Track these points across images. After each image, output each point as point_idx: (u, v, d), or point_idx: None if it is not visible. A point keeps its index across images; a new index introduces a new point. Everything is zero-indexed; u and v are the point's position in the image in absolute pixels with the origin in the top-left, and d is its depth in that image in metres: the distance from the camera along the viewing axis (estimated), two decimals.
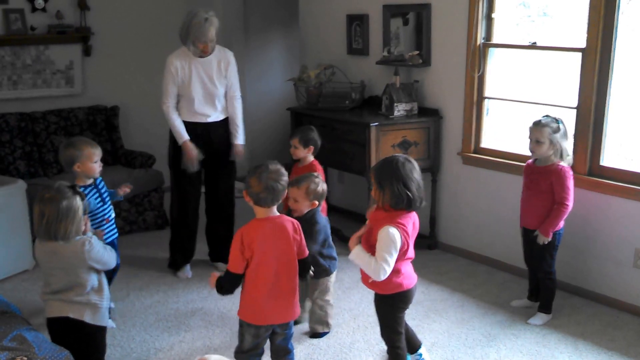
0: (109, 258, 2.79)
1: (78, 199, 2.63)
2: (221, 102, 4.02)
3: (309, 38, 5.36)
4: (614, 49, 3.53)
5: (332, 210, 5.28)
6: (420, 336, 3.37)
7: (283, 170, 2.61)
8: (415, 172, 2.64)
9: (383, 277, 2.60)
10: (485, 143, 4.27)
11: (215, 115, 4.01)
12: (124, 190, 3.57)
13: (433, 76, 4.43)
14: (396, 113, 4.32)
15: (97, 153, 3.35)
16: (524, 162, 3.97)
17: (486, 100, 4.22)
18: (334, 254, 3.42)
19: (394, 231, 2.57)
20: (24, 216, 4.22)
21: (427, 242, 4.57)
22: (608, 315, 3.58)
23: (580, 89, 3.67)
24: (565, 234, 3.82)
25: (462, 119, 4.29)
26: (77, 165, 3.30)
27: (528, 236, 3.56)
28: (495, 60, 4.18)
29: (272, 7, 6.50)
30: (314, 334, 3.41)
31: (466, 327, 3.49)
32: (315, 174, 3.31)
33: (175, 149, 3.99)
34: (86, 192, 3.29)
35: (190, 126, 3.94)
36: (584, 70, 3.63)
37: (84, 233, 2.73)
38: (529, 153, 3.97)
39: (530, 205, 3.50)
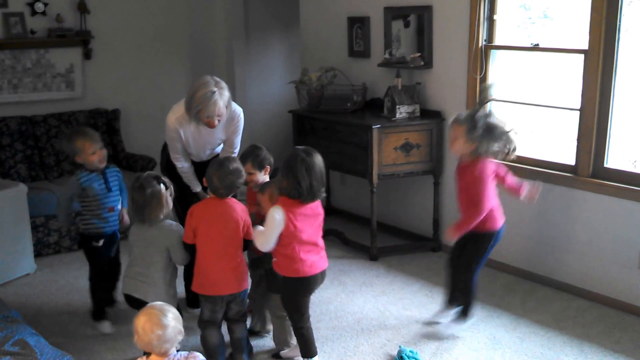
0: (185, 253, 3.02)
1: (162, 186, 3.01)
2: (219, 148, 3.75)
3: (310, 41, 5.36)
4: (617, 50, 3.53)
5: (334, 212, 5.28)
6: (424, 339, 3.38)
7: (241, 171, 3.04)
8: (311, 170, 2.86)
9: (266, 249, 2.92)
10: None
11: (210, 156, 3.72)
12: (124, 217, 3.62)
13: (435, 78, 4.42)
14: (398, 115, 4.31)
15: (92, 145, 3.38)
16: (526, 164, 3.97)
17: (488, 102, 4.20)
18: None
19: (277, 211, 2.87)
20: (25, 220, 4.21)
21: (430, 244, 4.56)
22: (613, 317, 3.57)
23: (583, 90, 3.66)
24: (569, 236, 3.82)
25: None
26: (77, 157, 3.42)
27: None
28: (497, 62, 4.17)
29: (273, 9, 6.50)
30: (274, 355, 3.26)
31: (471, 330, 3.47)
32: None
33: (173, 179, 3.46)
34: (90, 177, 3.41)
35: None
36: (587, 71, 3.62)
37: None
38: (531, 155, 3.97)
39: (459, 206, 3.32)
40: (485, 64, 4.14)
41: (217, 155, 3.69)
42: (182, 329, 2.29)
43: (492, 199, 3.20)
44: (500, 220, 3.28)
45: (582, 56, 3.65)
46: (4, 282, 4.09)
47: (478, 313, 3.65)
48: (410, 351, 3.18)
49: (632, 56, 3.56)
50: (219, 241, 2.93)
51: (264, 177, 3.41)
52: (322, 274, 3.04)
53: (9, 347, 2.64)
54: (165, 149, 3.66)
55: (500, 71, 4.18)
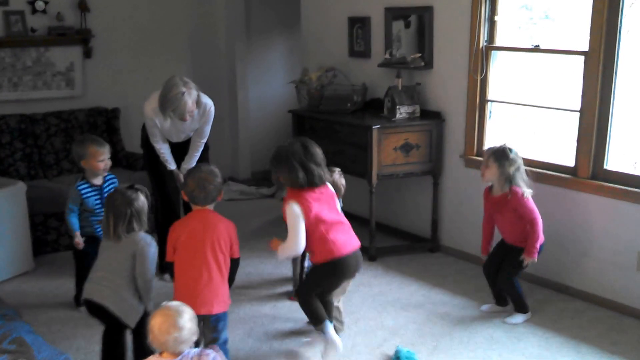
0: (148, 269, 2.85)
1: (144, 198, 2.90)
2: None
3: (311, 40, 5.36)
4: (618, 51, 3.52)
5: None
6: (421, 339, 3.38)
7: (216, 172, 2.89)
8: (308, 155, 2.90)
9: (299, 248, 2.88)
10: (487, 146, 4.24)
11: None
12: None
13: (435, 79, 4.42)
14: (398, 116, 4.30)
15: (102, 152, 3.58)
16: (528, 166, 3.95)
17: (489, 103, 4.21)
18: None
19: (291, 205, 2.87)
20: (24, 218, 4.20)
21: (429, 245, 4.56)
22: (611, 319, 3.56)
23: (583, 92, 3.66)
24: (568, 237, 3.82)
25: (465, 121, 4.28)
26: (83, 162, 3.55)
27: (503, 247, 3.58)
28: (498, 63, 4.17)
29: (274, 9, 6.50)
30: None
31: (468, 330, 3.47)
32: (336, 169, 3.46)
33: (150, 154, 4.08)
34: (89, 190, 3.57)
35: None
36: (587, 73, 3.62)
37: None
38: (530, 156, 3.96)
39: (503, 227, 3.59)
40: (485, 65, 4.14)
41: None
42: (197, 329, 2.29)
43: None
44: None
45: (582, 57, 3.65)
46: (2, 280, 4.09)
47: (475, 313, 3.65)
48: (407, 351, 3.18)
49: (632, 58, 3.55)
50: (195, 256, 2.77)
51: None
52: (356, 257, 2.99)
53: (7, 345, 2.63)
54: (144, 128, 4.07)
55: (501, 72, 4.18)
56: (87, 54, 5.40)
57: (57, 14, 5.16)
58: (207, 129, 4.07)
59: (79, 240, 3.55)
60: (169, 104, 3.70)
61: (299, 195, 2.89)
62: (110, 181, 3.70)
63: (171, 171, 4.10)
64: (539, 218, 3.42)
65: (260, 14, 6.44)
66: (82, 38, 5.31)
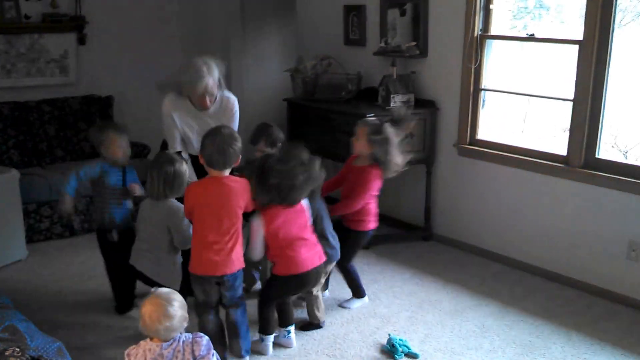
0: (185, 236, 3.06)
1: (185, 165, 3.14)
2: None
3: (306, 28, 5.33)
4: (611, 41, 3.52)
5: (328, 201, 5.27)
6: (413, 327, 3.40)
7: (237, 136, 2.86)
8: (281, 176, 2.85)
9: (255, 256, 2.99)
10: (481, 135, 4.25)
11: None
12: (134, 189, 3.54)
13: (430, 67, 4.41)
14: (392, 104, 4.30)
15: (120, 138, 3.46)
16: (521, 155, 3.97)
17: (482, 91, 4.21)
18: (334, 243, 3.33)
19: (256, 217, 2.92)
20: (17, 206, 4.20)
21: (422, 233, 4.57)
22: (601, 307, 3.59)
23: (576, 81, 3.66)
24: (559, 225, 3.83)
25: (459, 110, 4.27)
26: (102, 148, 3.45)
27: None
28: (493, 52, 4.16)
29: None
30: (302, 326, 3.39)
31: (460, 318, 3.49)
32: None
33: None
34: (110, 169, 3.46)
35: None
36: (581, 62, 3.62)
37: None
38: (525, 145, 3.97)
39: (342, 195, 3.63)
40: (480, 54, 4.13)
41: None
42: (187, 315, 2.33)
43: (369, 205, 3.49)
44: (372, 224, 3.55)
45: (576, 47, 3.64)
46: None
47: (467, 301, 3.67)
48: (400, 339, 3.20)
49: (626, 48, 3.55)
50: (211, 223, 2.82)
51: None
52: (316, 273, 3.04)
53: None
54: (163, 146, 3.73)
55: (495, 61, 4.17)
56: (82, 41, 5.37)
57: (52, 1, 5.13)
58: (236, 126, 3.65)
59: (68, 205, 3.39)
60: (187, 79, 3.42)
61: (265, 209, 2.92)
62: (132, 170, 3.55)
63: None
64: (363, 198, 3.41)
65: (255, 1, 6.40)
66: (76, 25, 5.28)
